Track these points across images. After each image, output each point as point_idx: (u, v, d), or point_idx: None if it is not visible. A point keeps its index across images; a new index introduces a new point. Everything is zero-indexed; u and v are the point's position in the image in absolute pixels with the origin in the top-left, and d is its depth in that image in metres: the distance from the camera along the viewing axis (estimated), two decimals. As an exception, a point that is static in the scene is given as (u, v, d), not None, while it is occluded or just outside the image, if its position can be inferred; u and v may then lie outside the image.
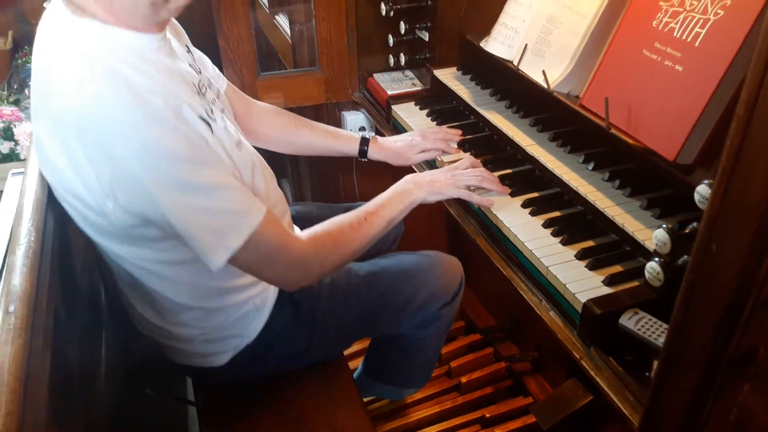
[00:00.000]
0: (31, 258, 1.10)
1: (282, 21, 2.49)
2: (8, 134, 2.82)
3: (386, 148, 1.76)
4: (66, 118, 1.07)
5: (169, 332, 1.42)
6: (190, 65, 1.30)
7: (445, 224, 2.60)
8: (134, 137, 1.03)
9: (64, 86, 1.07)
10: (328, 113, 2.34)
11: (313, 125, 1.77)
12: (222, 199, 1.12)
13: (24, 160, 2.59)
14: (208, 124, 1.18)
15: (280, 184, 1.55)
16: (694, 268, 0.79)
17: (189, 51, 1.39)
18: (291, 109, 2.23)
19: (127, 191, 1.08)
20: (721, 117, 1.22)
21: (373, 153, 1.76)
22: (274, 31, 2.53)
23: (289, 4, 2.43)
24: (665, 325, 1.19)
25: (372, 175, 2.44)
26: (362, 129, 2.32)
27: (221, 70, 2.05)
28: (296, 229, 1.57)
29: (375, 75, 2.26)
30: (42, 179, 1.27)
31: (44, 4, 1.74)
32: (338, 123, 2.35)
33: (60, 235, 1.27)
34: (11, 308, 1.00)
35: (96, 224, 1.19)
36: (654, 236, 1.11)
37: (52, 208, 1.25)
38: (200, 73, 1.34)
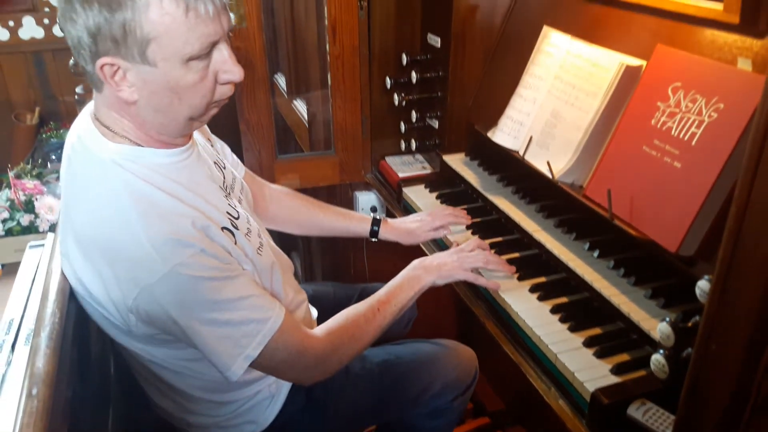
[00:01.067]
0: (54, 340, 1.15)
1: (300, 105, 2.61)
2: (29, 207, 2.90)
3: (397, 228, 1.82)
4: (92, 243, 1.12)
5: (181, 418, 1.43)
6: (215, 162, 1.37)
7: (454, 305, 2.63)
8: (162, 264, 1.08)
9: (91, 212, 1.13)
10: (341, 193, 2.42)
11: (325, 207, 1.84)
12: (242, 309, 1.16)
13: (43, 232, 2.66)
14: (232, 234, 1.23)
15: (290, 257, 1.60)
16: (695, 366, 0.82)
17: (211, 144, 1.47)
18: (306, 190, 2.34)
19: (151, 310, 1.13)
20: (719, 212, 1.28)
21: (384, 233, 1.82)
22: (291, 114, 2.66)
23: (307, 90, 2.57)
24: (672, 417, 1.20)
25: (381, 253, 2.49)
26: (374, 209, 2.39)
27: (241, 152, 2.16)
28: (313, 311, 1.61)
29: (387, 158, 2.35)
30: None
31: (76, 90, 1.85)
32: (351, 203, 2.43)
33: (78, 317, 1.31)
34: (34, 391, 1.04)
35: (115, 326, 1.23)
36: (658, 329, 1.14)
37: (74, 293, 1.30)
38: (224, 168, 1.40)
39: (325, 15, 2.10)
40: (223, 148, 1.58)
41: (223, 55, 1.12)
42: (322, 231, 1.85)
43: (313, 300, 1.62)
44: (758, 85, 1.20)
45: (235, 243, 1.23)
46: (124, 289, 1.11)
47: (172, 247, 1.09)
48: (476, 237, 1.75)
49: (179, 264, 1.09)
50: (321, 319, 1.59)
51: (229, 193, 1.35)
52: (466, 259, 1.61)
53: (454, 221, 1.82)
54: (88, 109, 1.25)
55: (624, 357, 1.38)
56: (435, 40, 2.10)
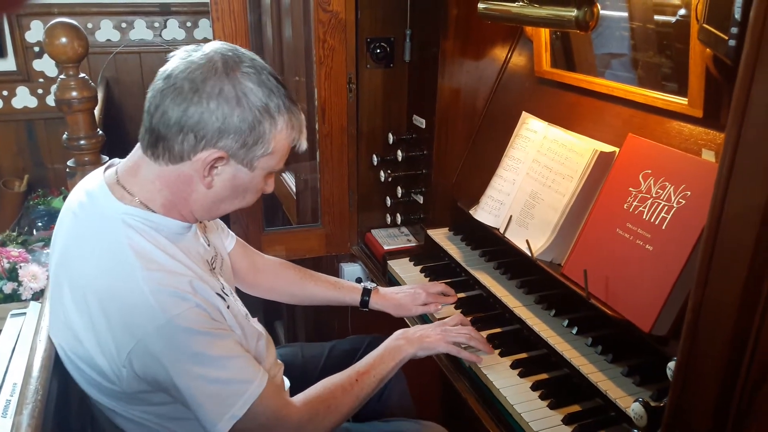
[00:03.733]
0: (36, 418, 1.16)
1: (288, 178, 2.69)
2: (13, 275, 2.89)
3: (388, 299, 1.86)
4: (91, 292, 1.16)
5: None
6: (202, 239, 1.43)
7: (438, 379, 2.62)
8: (160, 314, 1.13)
9: (93, 262, 1.18)
10: (327, 264, 2.46)
11: (316, 277, 1.88)
12: (230, 368, 1.21)
13: (26, 300, 2.64)
14: (224, 299, 1.30)
15: (274, 326, 1.63)
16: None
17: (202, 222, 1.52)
18: (291, 261, 2.38)
19: (144, 361, 1.16)
20: (689, 294, 1.34)
21: (375, 303, 1.85)
22: (280, 186, 2.73)
23: (296, 161, 2.65)
24: (652, 497, 1.22)
25: (366, 317, 2.51)
26: (359, 280, 2.43)
27: (228, 225, 2.20)
28: (286, 382, 1.62)
29: (373, 231, 2.41)
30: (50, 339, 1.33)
31: (67, 164, 1.90)
32: (336, 274, 2.46)
33: (61, 392, 1.32)
34: (15, 468, 1.04)
35: (102, 387, 1.24)
36: (632, 409, 1.18)
37: (58, 366, 1.31)
38: (209, 245, 1.45)
39: (315, 97, 2.21)
40: (216, 222, 1.63)
41: (274, 175, 1.35)
42: (313, 301, 1.88)
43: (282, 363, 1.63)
44: (720, 176, 1.28)
45: (228, 307, 1.29)
46: (119, 340, 1.15)
47: (171, 298, 1.14)
48: (459, 312, 1.79)
49: (177, 315, 1.14)
50: (292, 383, 1.61)
51: (214, 268, 1.41)
52: (449, 332, 1.64)
53: (443, 301, 1.85)
54: (100, 171, 1.33)
55: (603, 435, 1.41)
56: (420, 121, 2.20)
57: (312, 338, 2.29)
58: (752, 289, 0.73)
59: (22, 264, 2.92)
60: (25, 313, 1.69)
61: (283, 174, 2.75)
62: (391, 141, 2.27)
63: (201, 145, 1.19)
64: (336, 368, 1.88)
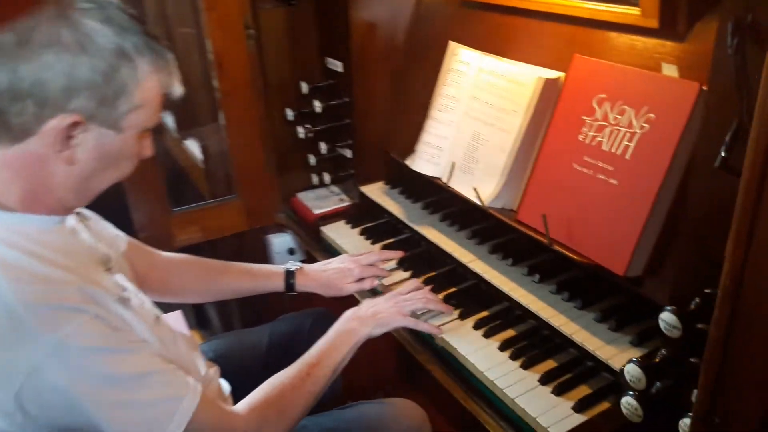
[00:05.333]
0: None
1: (192, 145, 2.38)
2: None
3: (315, 278, 1.64)
4: None
5: None
6: (85, 234, 1.19)
7: (394, 351, 2.48)
8: (48, 338, 0.92)
9: None
10: (251, 240, 2.21)
11: (229, 267, 1.64)
12: (153, 386, 1.04)
13: None
14: (126, 304, 1.09)
15: (205, 313, 1.41)
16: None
17: (82, 216, 1.26)
18: (211, 243, 2.13)
19: (41, 401, 0.96)
20: (663, 227, 1.21)
21: (302, 285, 1.64)
22: (184, 156, 2.42)
23: (197, 125, 2.34)
24: (647, 453, 1.12)
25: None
26: (291, 251, 2.21)
27: (128, 213, 1.91)
28: (225, 386, 1.42)
29: (298, 194, 2.18)
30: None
31: None
32: (263, 248, 2.22)
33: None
34: None
35: None
36: (626, 372, 1.05)
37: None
38: (97, 242, 1.21)
39: (210, 49, 1.90)
40: (98, 222, 1.36)
41: (150, 133, 1.13)
42: (230, 295, 1.66)
43: (217, 360, 1.43)
44: (689, 91, 1.14)
45: (131, 311, 1.09)
46: (3, 382, 0.94)
47: (56, 313, 0.95)
48: (413, 279, 1.61)
49: (69, 334, 0.94)
50: (231, 381, 1.44)
51: (110, 269, 1.19)
52: (403, 303, 1.47)
53: (379, 273, 1.66)
54: None
55: (584, 390, 1.30)
56: (335, 65, 1.95)
57: (249, 323, 2.06)
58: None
59: None
60: None
61: (185, 141, 2.44)
62: (305, 91, 2.01)
63: (46, 112, 0.95)
64: (280, 354, 1.69)
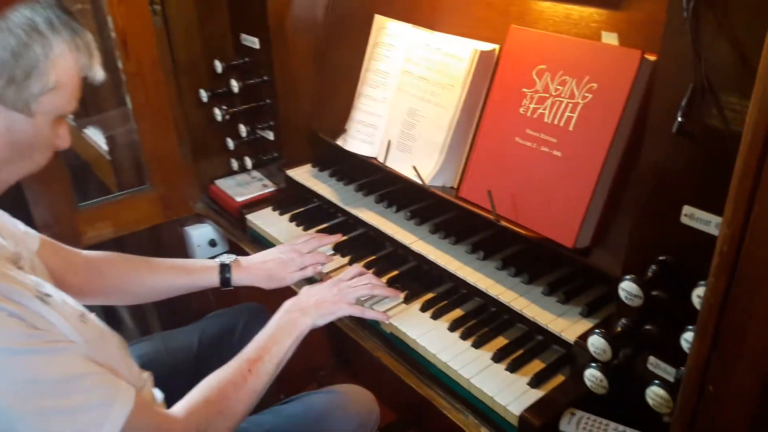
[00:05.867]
0: None
1: (94, 135, 2.16)
2: None
3: (254, 271, 1.54)
4: None
5: None
6: None
7: (341, 340, 2.39)
8: None
9: None
10: (169, 233, 2.05)
11: (157, 264, 1.50)
12: (81, 390, 0.96)
13: None
14: (46, 300, 0.99)
15: (116, 315, 1.29)
16: (686, 413, 0.71)
17: None
18: (124, 238, 1.95)
19: None
20: (608, 196, 1.21)
21: (239, 279, 1.53)
22: (86, 147, 2.19)
23: (99, 112, 2.12)
24: (605, 421, 1.13)
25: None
26: (213, 243, 2.07)
27: (29, 211, 1.71)
28: (158, 394, 1.31)
29: (217, 182, 2.04)
30: None
31: None
32: (181, 241, 2.07)
33: None
34: None
35: None
36: (590, 344, 1.04)
37: None
38: (5, 240, 1.08)
39: (111, 27, 1.71)
40: (1, 217, 1.20)
41: (67, 122, 1.06)
42: (159, 294, 1.52)
43: (144, 367, 1.32)
44: (631, 59, 1.13)
45: (52, 309, 0.99)
46: None
47: None
48: (354, 265, 1.54)
49: None
50: (162, 388, 1.34)
51: (22, 267, 1.07)
52: (347, 290, 1.41)
53: (323, 260, 1.58)
54: None
55: (538, 365, 1.29)
56: (252, 41, 1.82)
57: (168, 325, 1.90)
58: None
59: None
60: None
61: (85, 131, 2.21)
62: (219, 70, 1.87)
63: None
64: (213, 357, 1.59)
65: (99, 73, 1.04)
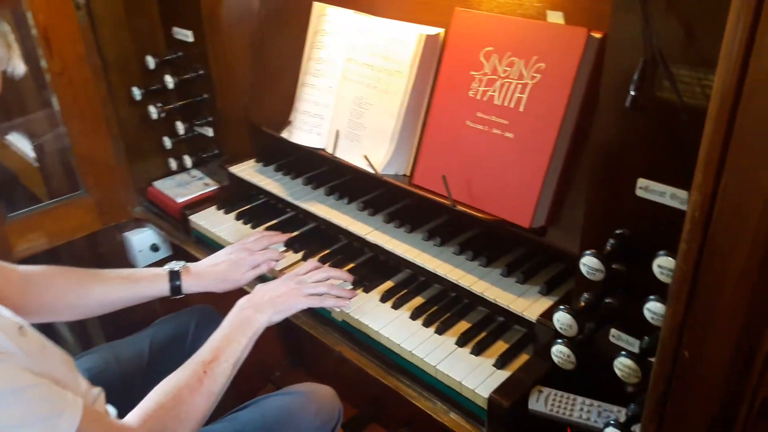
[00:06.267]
0: None
1: (18, 141, 2.02)
2: None
3: (207, 275, 1.48)
4: None
5: None
6: None
7: (280, 341, 2.33)
8: None
9: None
10: (107, 240, 1.95)
11: (102, 275, 1.42)
12: (24, 403, 0.91)
13: None
14: None
15: (55, 330, 1.23)
16: (661, 379, 0.72)
17: None
18: (60, 247, 1.84)
19: None
20: (561, 174, 1.23)
21: (190, 286, 1.47)
22: (9, 155, 2.05)
23: (22, 114, 1.98)
24: (573, 396, 1.15)
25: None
26: (155, 248, 1.98)
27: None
28: (111, 410, 1.25)
29: (155, 183, 1.95)
30: None
31: None
32: (121, 248, 1.97)
33: None
34: None
35: None
36: (556, 320, 1.05)
37: None
38: None
39: (31, 24, 1.59)
40: None
41: None
42: (106, 307, 1.44)
43: (93, 380, 1.26)
44: (578, 37, 1.14)
45: None
46: None
47: None
48: (310, 260, 1.50)
49: None
50: (114, 401, 1.28)
51: None
52: (304, 284, 1.38)
53: (276, 257, 1.53)
54: None
55: (502, 346, 1.30)
56: (185, 34, 1.74)
57: (113, 335, 1.79)
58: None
59: None
60: None
61: (7, 137, 2.06)
62: (152, 66, 1.78)
63: None
64: (165, 363, 1.53)
65: (20, 67, 0.98)
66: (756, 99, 0.55)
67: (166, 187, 1.93)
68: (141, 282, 1.44)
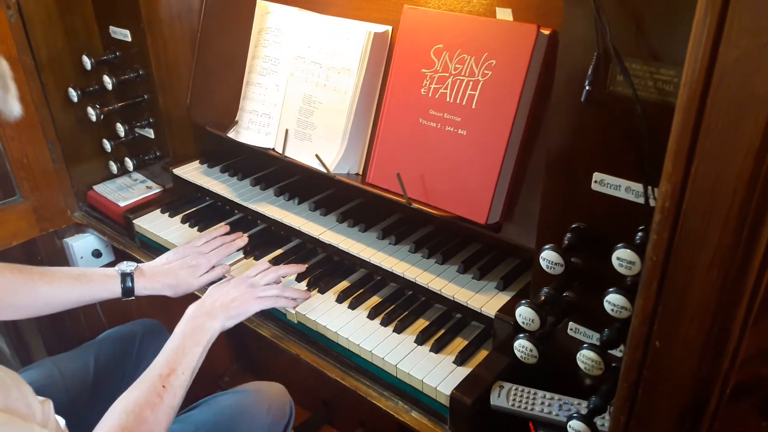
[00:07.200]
0: None
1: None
2: None
3: (158, 278, 1.42)
4: None
5: None
6: None
7: (229, 345, 2.28)
8: None
9: None
10: (46, 247, 1.85)
11: (51, 274, 1.35)
12: None
13: None
14: None
15: None
16: (631, 367, 0.73)
17: None
18: (-5, 257, 1.73)
19: None
20: (515, 170, 1.23)
21: (143, 288, 1.41)
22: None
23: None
24: (533, 390, 1.16)
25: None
26: (97, 254, 1.89)
27: None
28: (60, 421, 1.19)
29: (95, 187, 1.86)
30: None
31: None
32: (62, 254, 1.88)
33: None
34: None
35: None
36: (518, 314, 1.05)
37: None
38: None
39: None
40: None
41: None
42: (55, 307, 1.36)
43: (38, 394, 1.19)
44: (528, 34, 1.15)
45: None
46: None
47: None
48: (262, 260, 1.47)
49: None
50: (62, 413, 1.19)
51: None
52: (257, 287, 1.34)
53: (226, 253, 1.49)
54: None
55: (461, 342, 1.30)
56: (122, 33, 1.67)
57: (55, 350, 1.70)
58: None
59: None
60: None
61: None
62: (89, 66, 1.69)
63: None
64: (112, 377, 1.47)
65: (15, 108, 0.93)
66: (725, 85, 0.56)
67: (107, 191, 1.84)
68: (91, 283, 1.37)
